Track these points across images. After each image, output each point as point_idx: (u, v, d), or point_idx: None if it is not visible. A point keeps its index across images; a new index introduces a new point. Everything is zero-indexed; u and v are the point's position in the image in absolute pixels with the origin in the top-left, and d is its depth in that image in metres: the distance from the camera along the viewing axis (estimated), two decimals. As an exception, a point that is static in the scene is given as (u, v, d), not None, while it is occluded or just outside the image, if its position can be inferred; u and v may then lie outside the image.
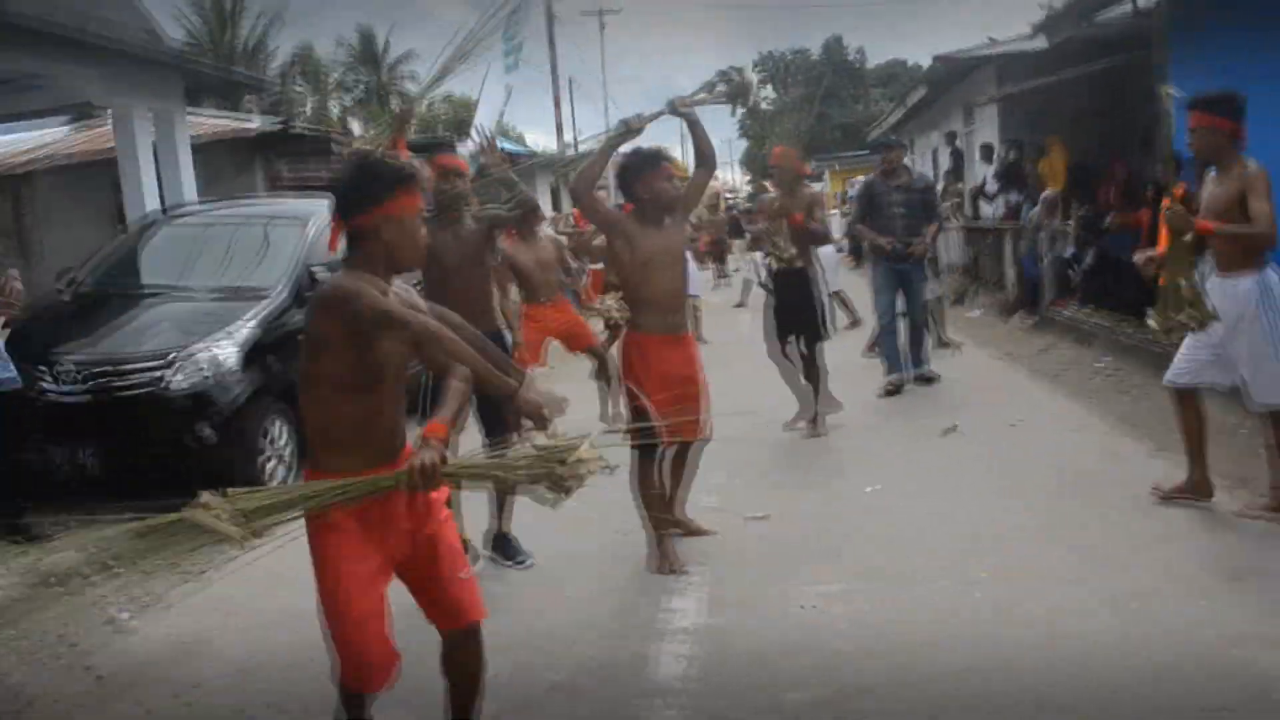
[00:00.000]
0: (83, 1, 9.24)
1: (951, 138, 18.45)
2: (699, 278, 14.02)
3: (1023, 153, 14.52)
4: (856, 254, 17.43)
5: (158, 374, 6.16)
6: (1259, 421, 5.10)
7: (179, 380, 6.16)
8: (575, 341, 7.99)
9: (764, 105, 48.81)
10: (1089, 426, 7.09)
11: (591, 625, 4.23)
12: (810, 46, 48.45)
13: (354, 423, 2.75)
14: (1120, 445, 6.50)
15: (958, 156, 18.06)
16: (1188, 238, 4.93)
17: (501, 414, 4.60)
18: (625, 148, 5.01)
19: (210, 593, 4.81)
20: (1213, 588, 4.18)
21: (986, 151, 15.68)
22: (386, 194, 2.74)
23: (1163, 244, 7.24)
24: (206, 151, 12.27)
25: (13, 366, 5.75)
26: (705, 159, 5.16)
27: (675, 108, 4.99)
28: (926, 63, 18.83)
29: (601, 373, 7.54)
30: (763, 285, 17.41)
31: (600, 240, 7.88)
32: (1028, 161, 14.27)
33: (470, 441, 4.32)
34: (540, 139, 48.88)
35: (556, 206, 20.66)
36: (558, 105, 28.52)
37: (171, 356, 6.21)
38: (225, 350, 6.36)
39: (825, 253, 8.80)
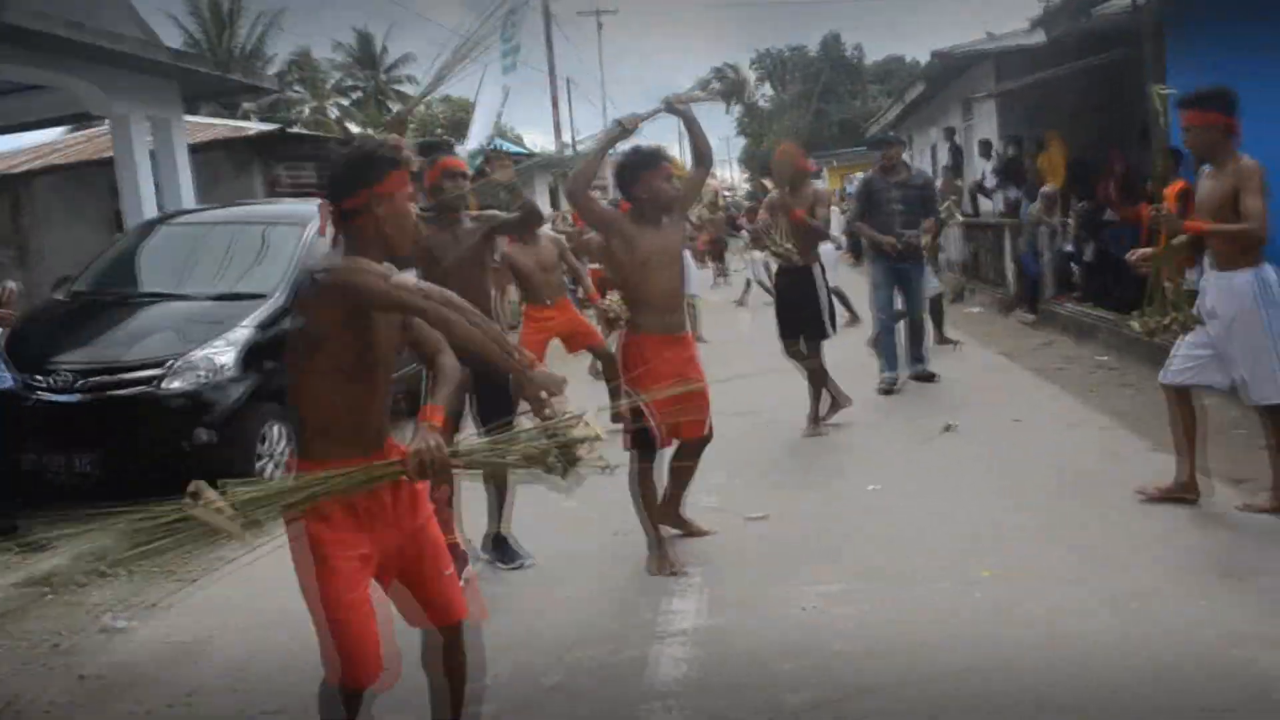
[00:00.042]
0: (79, 9, 9.23)
1: (950, 133, 18.44)
2: (697, 277, 14.01)
3: (1022, 148, 14.51)
4: (856, 251, 17.42)
5: (155, 378, 6.16)
6: (1258, 419, 5.08)
7: (176, 384, 6.16)
8: (577, 341, 7.99)
9: (762, 103, 48.82)
10: (1089, 423, 7.07)
11: (591, 627, 4.21)
12: (808, 44, 48.43)
13: (347, 410, 2.73)
14: (1120, 443, 6.48)
15: (956, 152, 18.06)
16: (1178, 240, 4.91)
17: (497, 403, 4.59)
18: (624, 146, 5.00)
19: (205, 595, 4.80)
20: (1212, 587, 4.16)
21: (985, 147, 15.67)
22: (378, 174, 2.73)
23: (1163, 237, 7.26)
24: (204, 156, 12.28)
25: (5, 371, 5.76)
26: (702, 157, 5.14)
27: (672, 105, 4.97)
28: (925, 59, 18.80)
29: (609, 370, 7.53)
30: (761, 284, 17.43)
31: (595, 237, 7.88)
32: (1027, 157, 14.26)
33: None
34: (538, 139, 48.84)
35: (554, 205, 20.65)
36: (555, 105, 28.57)
37: (169, 361, 6.21)
38: (223, 354, 6.35)
39: (824, 250, 8.77)
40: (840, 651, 3.80)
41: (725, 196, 25.93)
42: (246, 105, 25.90)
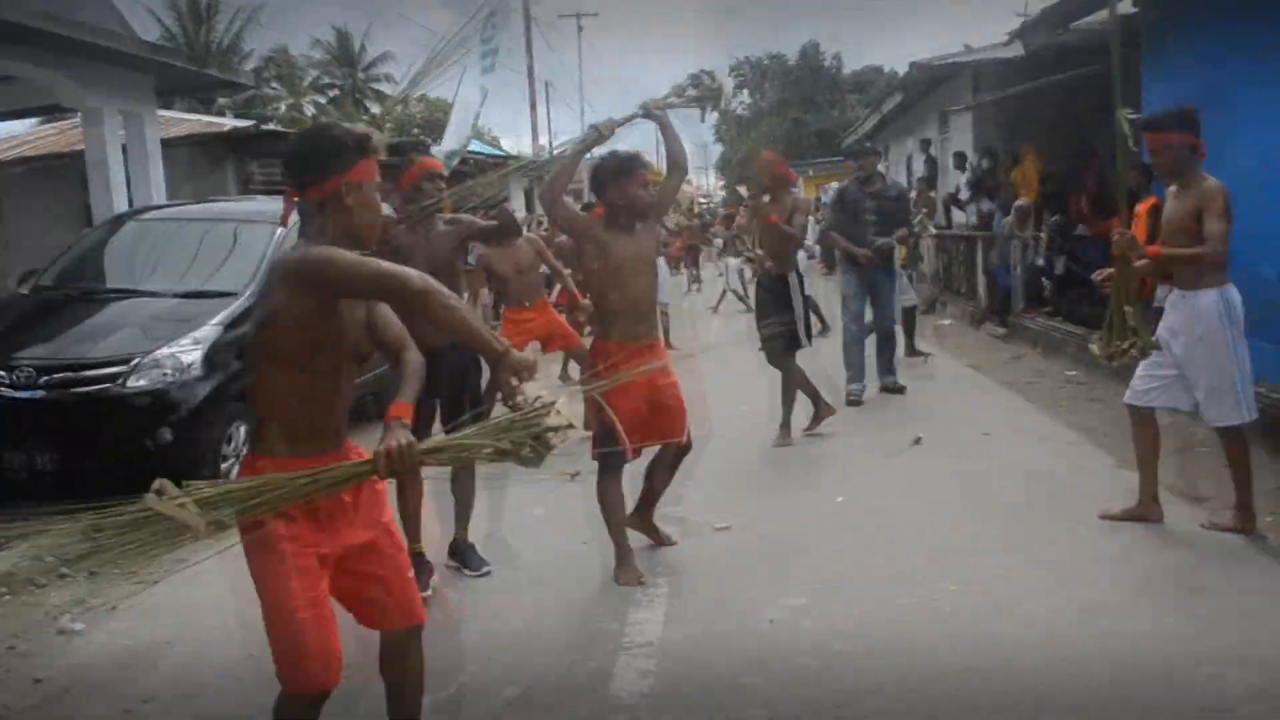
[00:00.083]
0: (53, 0, 9.12)
1: (926, 145, 18.54)
2: (669, 283, 14.01)
3: (996, 161, 14.60)
4: (829, 261, 17.48)
5: (119, 376, 6.07)
6: (1218, 440, 5.11)
7: (141, 383, 6.08)
8: (555, 343, 7.98)
9: (740, 110, 48.89)
10: (1057, 437, 7.11)
11: (554, 637, 4.18)
12: (787, 52, 48.55)
13: (309, 408, 2.66)
14: (1087, 458, 6.52)
15: (932, 164, 18.16)
16: (1140, 263, 4.95)
17: (460, 398, 4.52)
18: (601, 150, 4.97)
19: (164, 597, 4.72)
20: (1178, 604, 4.18)
21: (960, 159, 15.77)
22: (348, 159, 2.65)
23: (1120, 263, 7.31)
24: (177, 151, 12.17)
25: None
26: (678, 163, 5.13)
27: (649, 111, 4.95)
28: (902, 69, 18.91)
29: (583, 370, 7.50)
30: (735, 292, 17.41)
31: (566, 241, 7.86)
32: (1001, 170, 14.36)
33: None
34: (515, 142, 48.73)
35: (530, 208, 20.61)
36: (533, 108, 28.52)
37: (134, 358, 6.13)
38: (189, 352, 6.27)
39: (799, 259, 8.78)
40: (806, 666, 3.78)
41: (701, 203, 25.98)
42: (222, 101, 25.73)
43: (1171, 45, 8.48)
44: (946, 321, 13.90)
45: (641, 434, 4.74)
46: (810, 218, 9.99)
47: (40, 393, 6.06)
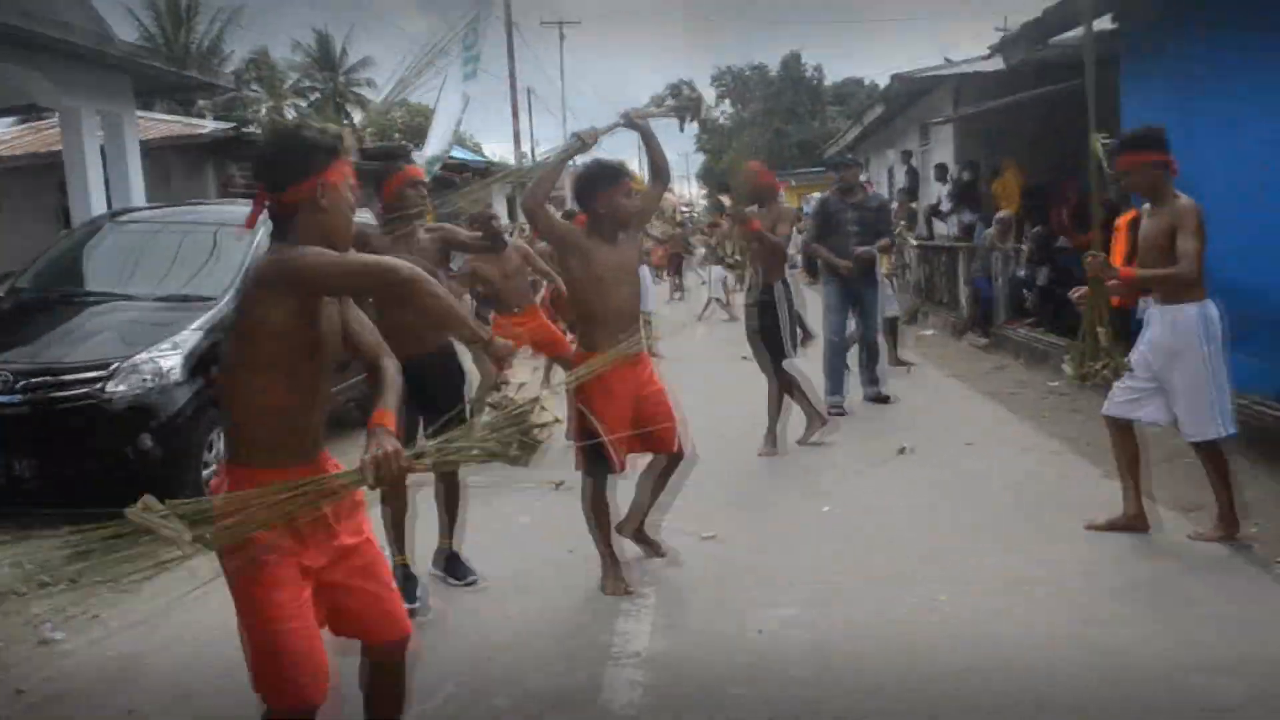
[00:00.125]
0: (30, -1, 9.03)
1: (907, 156, 18.63)
2: (652, 291, 14.01)
3: (978, 173, 14.68)
4: (811, 270, 17.54)
5: (98, 382, 5.99)
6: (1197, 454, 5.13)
7: (120, 389, 6.00)
8: (544, 349, 7.97)
9: (722, 120, 49.06)
10: (1040, 448, 7.13)
11: (542, 648, 4.13)
12: (769, 63, 48.76)
13: (288, 416, 2.58)
14: (1071, 467, 6.54)
15: (913, 175, 18.24)
16: (1112, 284, 4.98)
17: (437, 403, 4.44)
18: (584, 158, 4.94)
19: (146, 607, 4.65)
20: (1167, 614, 4.19)
21: (941, 171, 15.84)
22: (321, 161, 2.59)
23: (1116, 263, 7.35)
24: (157, 154, 12.06)
25: None
26: (660, 172, 5.11)
27: (631, 120, 4.93)
28: (883, 81, 19.00)
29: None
30: (718, 300, 17.38)
31: (545, 247, 7.83)
32: (982, 182, 14.44)
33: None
34: (497, 149, 48.63)
35: (512, 215, 20.56)
36: (515, 115, 28.48)
37: (113, 365, 6.05)
38: (169, 358, 6.20)
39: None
40: (797, 678, 3.76)
41: (683, 212, 26.00)
42: (202, 103, 25.56)
43: (1149, 61, 8.56)
44: (929, 332, 13.95)
45: (630, 444, 4.71)
46: (794, 227, 9.97)
47: (18, 398, 5.96)
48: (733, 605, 4.49)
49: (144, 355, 6.12)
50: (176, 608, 4.45)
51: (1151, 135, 4.95)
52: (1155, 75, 8.41)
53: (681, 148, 54.54)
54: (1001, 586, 4.56)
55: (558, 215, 6.37)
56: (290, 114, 33.52)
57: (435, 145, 10.86)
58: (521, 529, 5.67)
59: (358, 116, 37.22)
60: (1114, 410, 5.15)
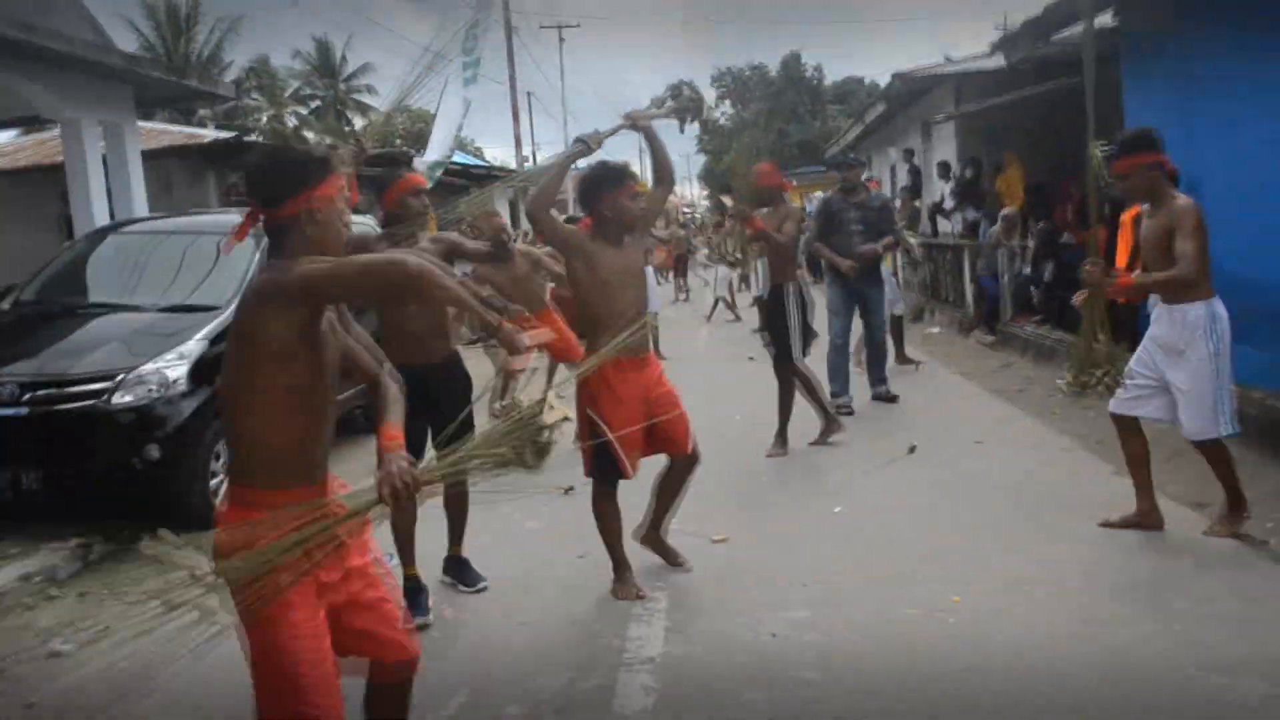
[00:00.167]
0: (31, 10, 9.02)
1: (909, 155, 18.60)
2: (656, 293, 13.98)
3: (980, 170, 14.64)
4: (814, 269, 17.52)
5: (104, 392, 5.97)
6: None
7: (126, 399, 5.98)
8: (556, 354, 7.95)
9: (722, 120, 49.04)
10: (1050, 445, 7.10)
11: (554, 654, 4.11)
12: (769, 63, 48.71)
13: (296, 437, 2.53)
14: (1082, 464, 6.52)
15: (915, 173, 18.21)
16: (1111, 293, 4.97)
17: (442, 408, 4.39)
18: (589, 160, 4.91)
19: (156, 621, 4.63)
20: (1182, 612, 4.16)
21: (944, 169, 15.81)
22: (312, 179, 2.56)
23: (1121, 260, 7.33)
24: (158, 163, 12.06)
25: None
26: (665, 174, 5.08)
27: (635, 121, 4.90)
28: (884, 80, 18.99)
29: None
30: (722, 299, 17.36)
31: (548, 250, 7.82)
32: (985, 179, 14.40)
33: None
34: (498, 152, 48.65)
35: (515, 222, 20.54)
36: (516, 118, 28.47)
37: (118, 374, 6.03)
38: (174, 368, 6.18)
39: None
40: (810, 681, 3.74)
41: (684, 213, 26.01)
42: (202, 112, 25.58)
43: (1150, 60, 8.53)
44: (934, 329, 13.92)
45: (641, 448, 4.68)
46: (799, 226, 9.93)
47: (24, 410, 5.94)
48: (745, 608, 4.46)
49: (150, 366, 6.11)
50: (188, 620, 4.45)
51: (1144, 137, 4.93)
52: (1155, 75, 8.39)
53: (682, 149, 54.55)
54: (1014, 584, 4.53)
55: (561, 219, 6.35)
56: (291, 122, 33.54)
57: (437, 150, 10.86)
58: (531, 534, 5.65)
59: (359, 123, 37.26)
60: (1119, 407, 5.13)
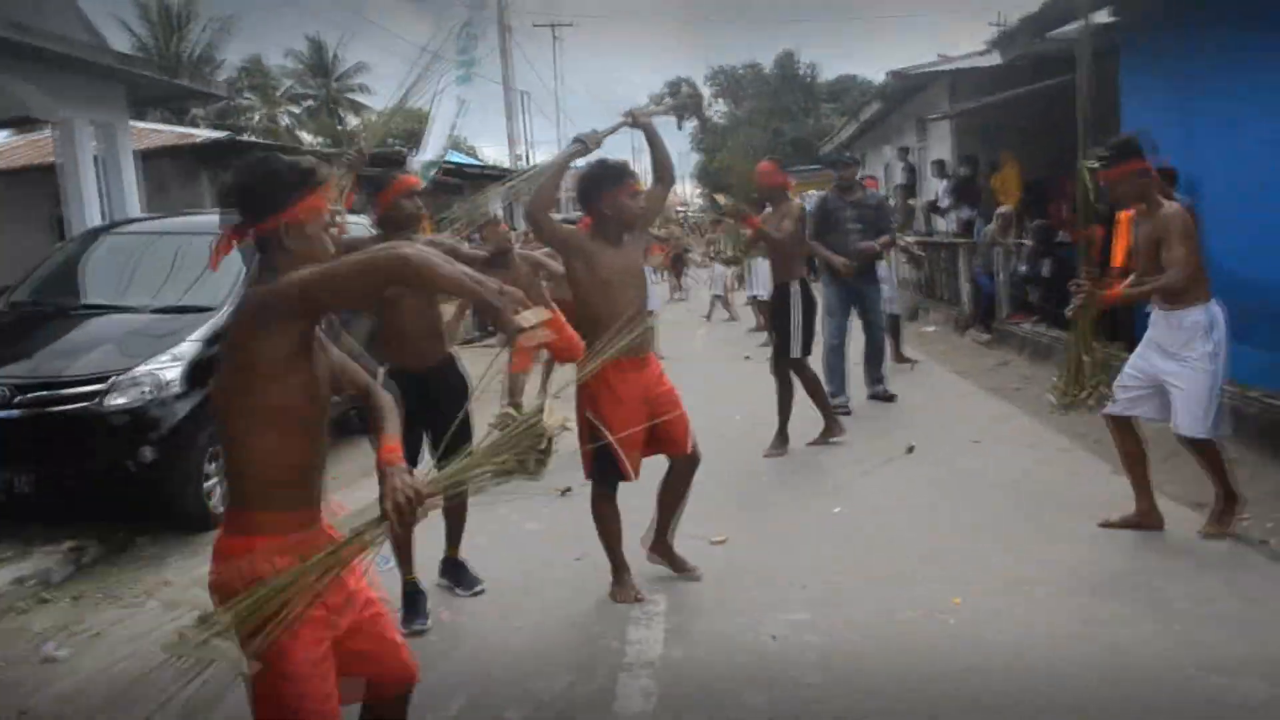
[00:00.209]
0: (23, 10, 8.96)
1: (904, 153, 18.59)
2: (654, 291, 13.94)
3: (976, 168, 14.63)
4: (810, 268, 17.52)
5: (97, 394, 5.93)
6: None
7: (120, 401, 5.94)
8: (559, 354, 7.91)
9: (717, 119, 49.00)
10: (1048, 444, 7.08)
11: (553, 657, 4.08)
12: (763, 61, 48.66)
13: (296, 459, 2.45)
14: (1080, 464, 6.50)
15: (911, 172, 18.20)
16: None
17: (441, 409, 4.33)
18: (590, 158, 4.87)
19: (151, 624, 4.59)
20: (1182, 612, 4.15)
21: (939, 167, 15.80)
22: (296, 194, 2.50)
23: (1118, 260, 7.32)
24: (152, 163, 12.01)
25: None
26: (664, 173, 5.02)
27: (635, 119, 4.86)
28: (878, 78, 18.98)
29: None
30: (719, 298, 17.33)
31: (546, 250, 7.77)
32: (981, 177, 14.39)
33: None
34: (493, 152, 48.54)
35: (511, 220, 20.49)
36: (510, 118, 28.44)
37: (112, 376, 5.99)
38: (168, 369, 6.14)
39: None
40: (811, 683, 3.72)
41: (679, 211, 25.97)
42: (196, 112, 25.50)
43: (1149, 60, 8.51)
44: (930, 328, 13.91)
45: (642, 448, 4.65)
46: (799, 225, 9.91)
47: (16, 412, 5.90)
48: (744, 610, 4.44)
49: (144, 368, 6.06)
50: (180, 622, 4.42)
51: (1129, 145, 4.94)
52: (1155, 75, 8.38)
53: (677, 147, 54.40)
54: (1014, 585, 4.52)
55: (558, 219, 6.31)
56: (285, 121, 33.47)
57: (431, 150, 10.81)
58: (530, 536, 5.62)
59: (352, 122, 37.19)
60: (1114, 408, 5.14)
